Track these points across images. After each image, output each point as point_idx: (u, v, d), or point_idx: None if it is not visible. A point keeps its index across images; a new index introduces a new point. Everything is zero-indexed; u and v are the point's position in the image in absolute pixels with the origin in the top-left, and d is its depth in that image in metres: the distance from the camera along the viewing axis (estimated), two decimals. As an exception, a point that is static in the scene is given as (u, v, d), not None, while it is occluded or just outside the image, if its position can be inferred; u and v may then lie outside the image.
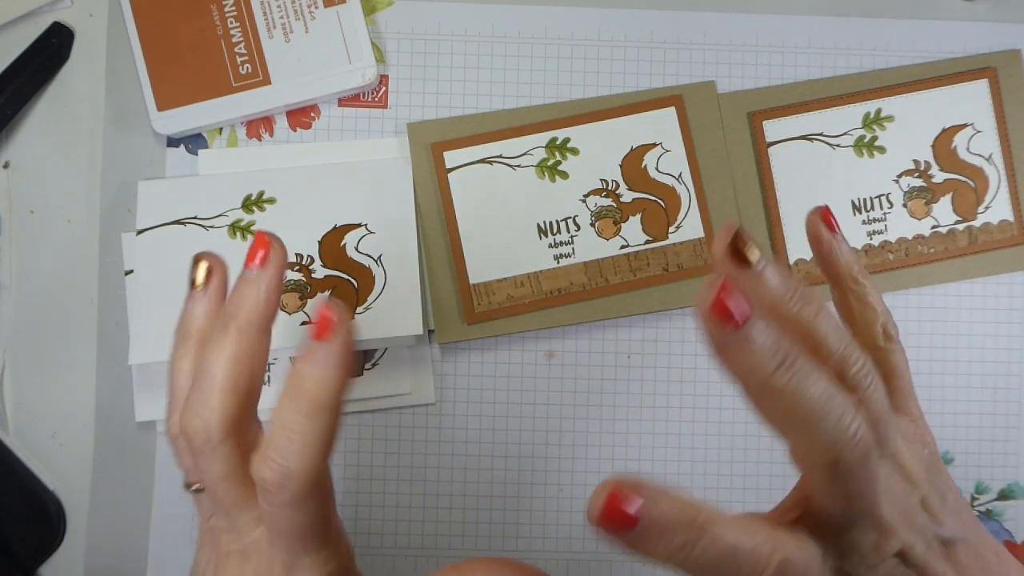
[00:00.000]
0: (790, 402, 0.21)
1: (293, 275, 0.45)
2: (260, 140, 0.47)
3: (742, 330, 0.20)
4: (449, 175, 0.46)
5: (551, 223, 0.46)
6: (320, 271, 0.45)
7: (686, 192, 0.47)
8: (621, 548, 0.20)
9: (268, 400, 0.45)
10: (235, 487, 0.28)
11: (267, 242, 0.30)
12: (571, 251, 0.46)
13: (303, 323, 0.44)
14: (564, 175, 0.46)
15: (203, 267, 0.32)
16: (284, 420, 0.26)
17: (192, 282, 0.32)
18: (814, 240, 0.30)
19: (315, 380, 0.25)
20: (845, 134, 0.47)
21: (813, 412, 0.21)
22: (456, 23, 0.47)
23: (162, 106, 0.45)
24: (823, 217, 0.30)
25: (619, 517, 0.20)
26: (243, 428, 0.29)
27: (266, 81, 0.45)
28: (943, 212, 0.47)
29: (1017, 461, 0.48)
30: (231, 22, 0.45)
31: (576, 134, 0.47)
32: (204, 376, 0.28)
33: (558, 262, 0.46)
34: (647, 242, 0.46)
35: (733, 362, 0.21)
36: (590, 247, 0.46)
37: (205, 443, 0.27)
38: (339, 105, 0.47)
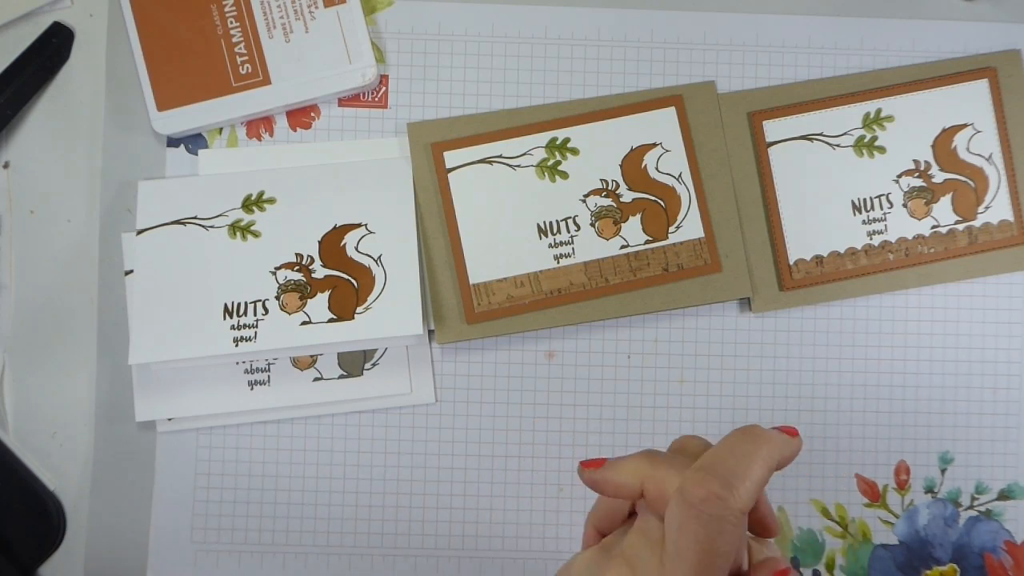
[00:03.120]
0: None
1: (293, 275, 0.45)
2: (260, 140, 0.47)
3: None
4: (449, 175, 0.46)
5: (551, 223, 0.46)
6: (320, 271, 0.45)
7: (686, 192, 0.46)
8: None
9: (268, 399, 0.45)
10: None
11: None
12: (571, 251, 0.46)
13: (303, 323, 0.44)
14: (564, 175, 0.46)
15: None
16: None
17: None
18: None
19: None
20: (845, 134, 0.47)
21: None
22: (456, 23, 0.47)
23: (162, 106, 0.45)
24: None
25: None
26: None
27: (266, 81, 0.45)
28: (943, 212, 0.47)
29: (1017, 461, 0.48)
30: (231, 22, 0.45)
31: (576, 134, 0.47)
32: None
33: (558, 262, 0.46)
34: (647, 242, 0.46)
35: None
36: (590, 247, 0.46)
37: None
38: (339, 105, 0.47)
